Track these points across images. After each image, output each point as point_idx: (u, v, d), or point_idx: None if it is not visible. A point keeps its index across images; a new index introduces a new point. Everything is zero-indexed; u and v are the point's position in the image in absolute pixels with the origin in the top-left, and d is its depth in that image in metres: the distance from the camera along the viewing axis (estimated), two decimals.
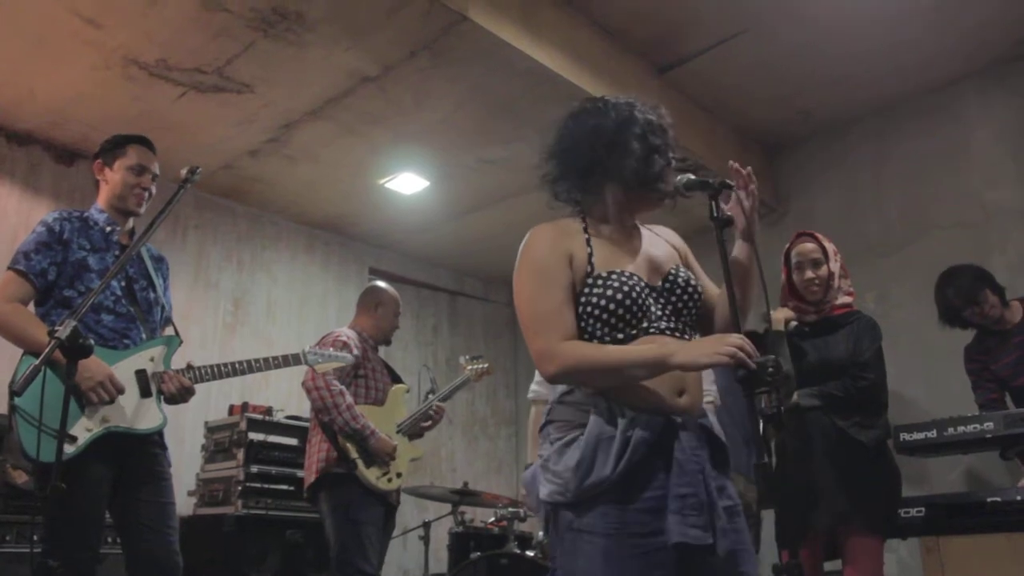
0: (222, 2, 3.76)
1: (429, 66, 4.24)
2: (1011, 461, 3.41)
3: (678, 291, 1.80)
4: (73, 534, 2.30)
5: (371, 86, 4.43)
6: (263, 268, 5.87)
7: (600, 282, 1.74)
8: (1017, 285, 3.63)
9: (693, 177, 1.81)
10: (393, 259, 6.69)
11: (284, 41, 4.05)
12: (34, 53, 4.12)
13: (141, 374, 2.53)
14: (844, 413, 2.99)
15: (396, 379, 3.96)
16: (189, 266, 5.42)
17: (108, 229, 2.65)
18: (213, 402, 5.04)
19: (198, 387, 2.65)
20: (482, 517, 4.83)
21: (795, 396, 3.06)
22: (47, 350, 1.96)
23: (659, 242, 1.94)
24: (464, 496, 4.33)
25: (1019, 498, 2.80)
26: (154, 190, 2.74)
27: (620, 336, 1.72)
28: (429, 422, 4.00)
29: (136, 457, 2.50)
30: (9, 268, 2.50)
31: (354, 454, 3.51)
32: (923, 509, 2.95)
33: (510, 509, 4.11)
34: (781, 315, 3.19)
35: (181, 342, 2.70)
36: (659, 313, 1.77)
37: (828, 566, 3.10)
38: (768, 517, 3.90)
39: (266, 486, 4.47)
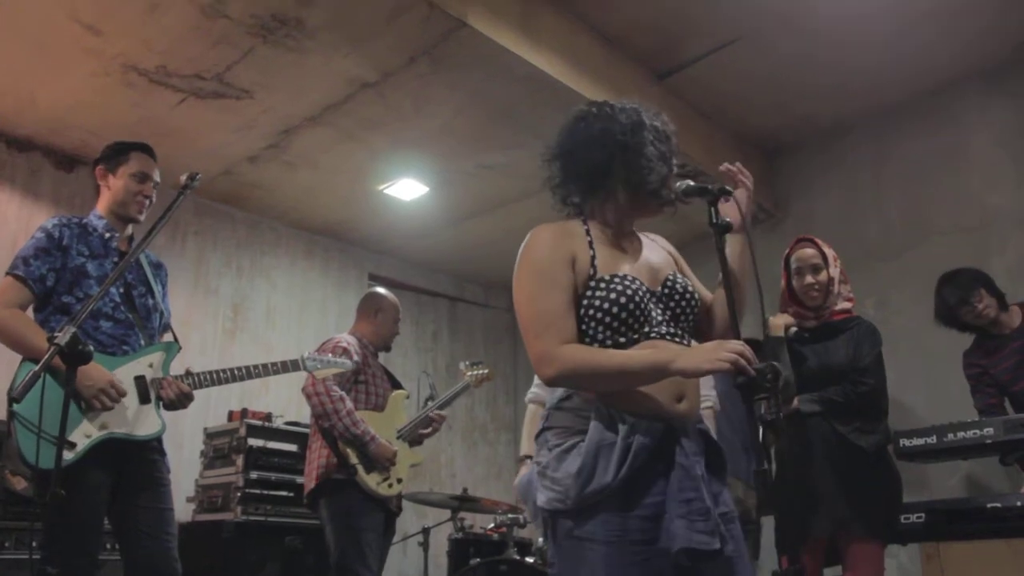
0: (222, 9, 3.77)
1: (428, 72, 4.24)
2: (1011, 467, 3.40)
3: (676, 296, 1.81)
4: (72, 540, 2.30)
5: (370, 92, 4.44)
6: (262, 274, 5.87)
7: (603, 285, 1.73)
8: (1016, 289, 3.63)
9: (692, 183, 1.81)
10: (393, 265, 6.69)
11: (284, 47, 4.05)
12: (34, 59, 4.13)
13: (140, 380, 2.53)
14: (844, 419, 2.99)
15: (396, 385, 3.96)
16: (189, 272, 5.42)
17: (107, 235, 2.65)
18: (212, 408, 5.03)
19: (197, 393, 2.65)
20: (482, 523, 4.83)
21: (795, 402, 3.06)
22: (46, 356, 1.96)
23: (656, 248, 1.94)
24: (463, 502, 4.32)
25: (1019, 504, 2.79)
26: (154, 198, 2.75)
27: (622, 340, 1.72)
28: (429, 429, 4.00)
29: (135, 463, 2.50)
30: (8, 273, 2.50)
31: (354, 460, 3.51)
32: (923, 515, 2.94)
33: (510, 515, 4.10)
34: (781, 320, 3.19)
35: (180, 348, 2.70)
36: (659, 318, 1.77)
37: (828, 572, 3.10)
38: (768, 523, 3.89)
39: (265, 492, 4.46)
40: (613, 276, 1.75)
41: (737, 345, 1.57)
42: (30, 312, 2.52)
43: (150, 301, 2.70)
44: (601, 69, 4.54)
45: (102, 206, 2.70)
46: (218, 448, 4.64)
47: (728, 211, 1.81)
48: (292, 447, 4.74)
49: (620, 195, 1.83)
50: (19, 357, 2.42)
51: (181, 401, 2.59)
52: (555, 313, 1.71)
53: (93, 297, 2.25)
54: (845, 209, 5.39)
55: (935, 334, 3.64)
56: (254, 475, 4.43)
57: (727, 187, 1.81)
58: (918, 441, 3.06)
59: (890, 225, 5.17)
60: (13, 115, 4.63)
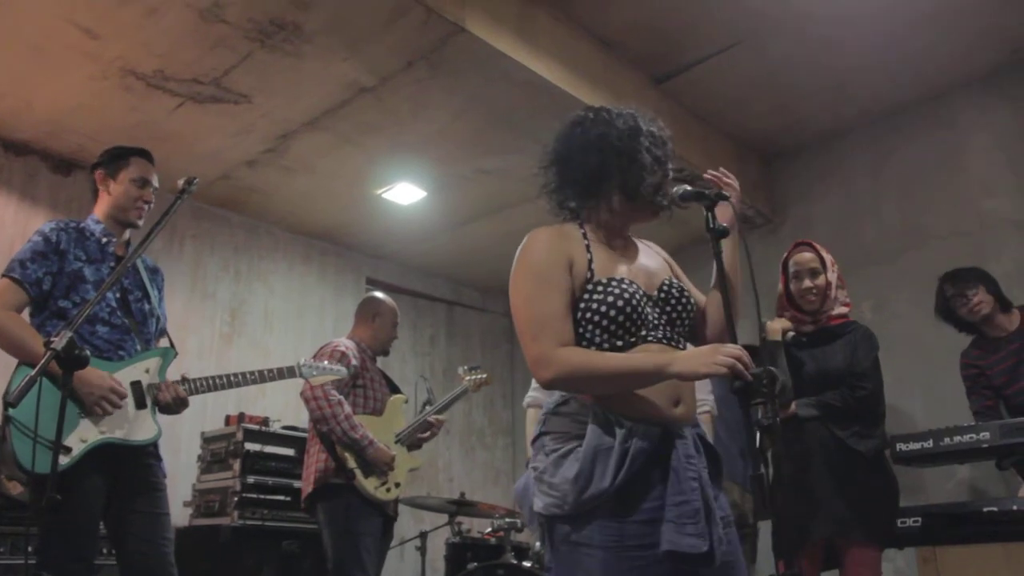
0: (220, 13, 3.77)
1: (426, 77, 4.25)
2: (1007, 471, 3.41)
3: (672, 301, 1.81)
4: (67, 545, 2.29)
5: (368, 96, 4.44)
6: (260, 278, 5.86)
7: (600, 289, 1.74)
8: (1013, 294, 3.63)
9: (689, 188, 1.81)
10: (390, 269, 6.69)
11: (281, 52, 4.05)
12: (32, 63, 4.13)
13: (136, 385, 2.53)
14: (842, 423, 2.99)
15: (394, 389, 3.95)
16: (186, 276, 5.42)
17: (104, 240, 2.64)
18: (209, 412, 5.02)
19: (194, 398, 2.64)
20: (479, 527, 4.82)
21: (793, 406, 3.06)
22: (43, 361, 1.96)
23: (651, 253, 1.95)
24: (461, 506, 4.32)
25: (1015, 508, 2.80)
26: (153, 203, 2.75)
27: (619, 343, 1.72)
28: (427, 433, 4.00)
29: (130, 468, 2.50)
30: (4, 276, 2.49)
31: (352, 464, 3.50)
32: (920, 519, 2.94)
33: (507, 519, 4.09)
34: (778, 325, 3.20)
35: (176, 354, 2.69)
36: (656, 322, 1.77)
37: None
38: (765, 527, 3.89)
39: (262, 497, 4.45)
40: (610, 279, 1.75)
41: (734, 349, 1.58)
42: (26, 316, 2.52)
43: (146, 306, 2.69)
44: (599, 73, 4.55)
45: (100, 210, 2.70)
46: (215, 452, 4.63)
47: (720, 213, 1.81)
48: (289, 451, 4.73)
49: (616, 200, 1.84)
50: (14, 361, 2.42)
51: (177, 405, 2.58)
52: (552, 316, 1.71)
53: (90, 302, 2.24)
54: (843, 213, 5.39)
55: (932, 338, 3.65)
56: (251, 479, 4.43)
57: (723, 192, 1.82)
58: (915, 445, 3.06)
59: (888, 229, 5.17)
60: (10, 118, 4.62)
